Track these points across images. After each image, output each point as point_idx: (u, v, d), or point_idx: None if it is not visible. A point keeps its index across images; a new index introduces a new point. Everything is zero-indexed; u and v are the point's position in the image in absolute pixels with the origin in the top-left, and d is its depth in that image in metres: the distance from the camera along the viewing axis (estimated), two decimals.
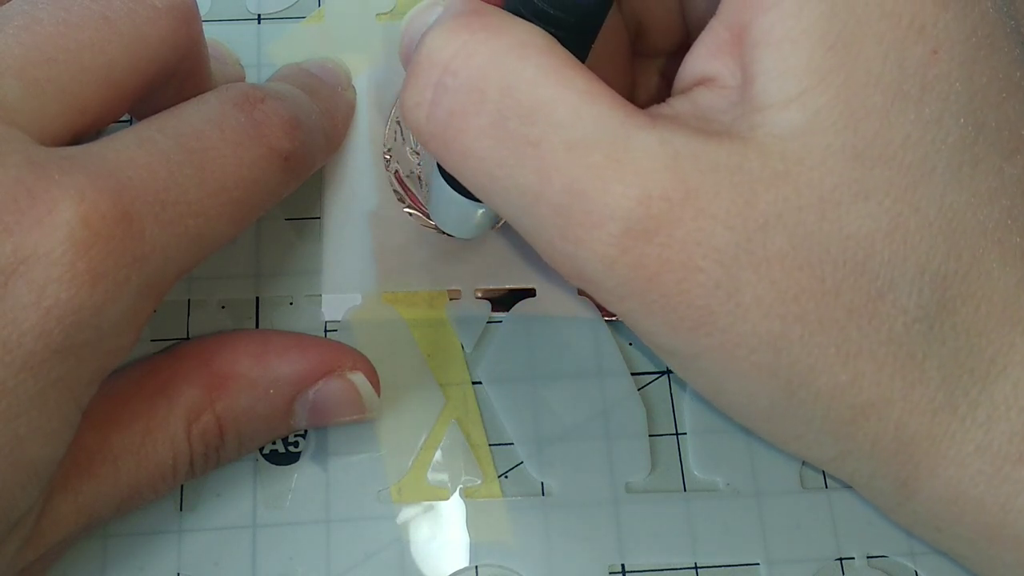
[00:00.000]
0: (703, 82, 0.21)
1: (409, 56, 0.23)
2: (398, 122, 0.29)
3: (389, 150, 0.29)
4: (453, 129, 0.20)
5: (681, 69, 0.22)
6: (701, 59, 0.21)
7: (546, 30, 0.20)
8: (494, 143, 0.20)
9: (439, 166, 0.24)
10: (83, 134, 0.21)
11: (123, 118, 0.26)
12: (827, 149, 0.20)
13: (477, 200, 0.23)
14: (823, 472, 0.26)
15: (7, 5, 0.21)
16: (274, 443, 0.26)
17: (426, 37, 0.20)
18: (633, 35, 0.27)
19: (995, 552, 0.22)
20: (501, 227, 0.28)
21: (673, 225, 0.19)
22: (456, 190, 0.24)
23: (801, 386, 0.21)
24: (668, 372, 0.27)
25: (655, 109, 0.21)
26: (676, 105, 0.21)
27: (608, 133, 0.19)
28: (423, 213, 0.28)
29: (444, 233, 0.27)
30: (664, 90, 0.27)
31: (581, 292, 0.28)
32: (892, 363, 0.20)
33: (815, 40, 0.19)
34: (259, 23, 0.30)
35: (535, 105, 0.19)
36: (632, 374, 0.27)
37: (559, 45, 0.20)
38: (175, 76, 0.23)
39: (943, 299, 0.20)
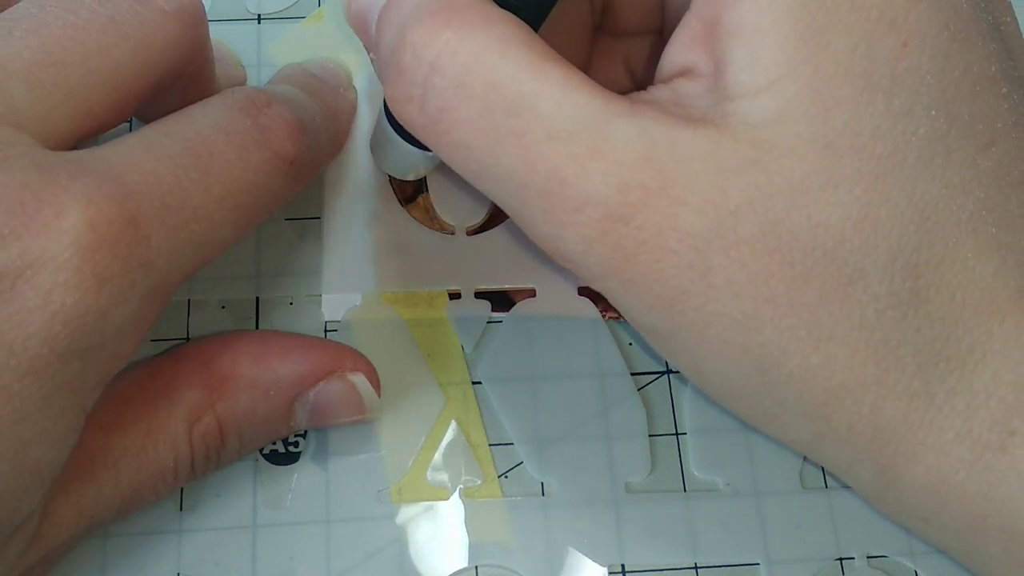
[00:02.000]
0: (682, 73, 0.22)
1: (359, 21, 0.24)
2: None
3: None
4: (444, 123, 0.21)
5: (660, 62, 0.23)
6: (678, 52, 0.22)
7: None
8: (482, 134, 0.20)
9: (385, 113, 0.24)
10: (89, 137, 0.21)
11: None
12: (797, 138, 0.20)
13: (421, 148, 0.24)
14: (823, 472, 0.26)
15: (14, 8, 0.21)
16: (274, 443, 0.26)
17: (408, 34, 0.20)
18: (599, 13, 0.27)
19: (981, 543, 0.22)
20: (501, 227, 0.28)
21: (649, 211, 0.20)
22: (403, 137, 0.24)
23: (773, 366, 0.21)
24: (668, 372, 0.27)
25: (635, 96, 0.22)
26: (655, 92, 0.22)
27: (588, 123, 0.20)
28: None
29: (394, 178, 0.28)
30: (629, 72, 0.28)
31: (581, 292, 0.28)
32: (865, 348, 0.21)
33: (785, 31, 0.20)
34: (259, 23, 0.30)
35: (518, 98, 0.20)
36: (632, 374, 0.27)
37: (536, 37, 0.21)
38: (181, 78, 0.23)
39: (915, 287, 0.21)
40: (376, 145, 0.26)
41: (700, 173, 0.20)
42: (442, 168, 0.29)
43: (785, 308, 0.20)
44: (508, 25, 0.20)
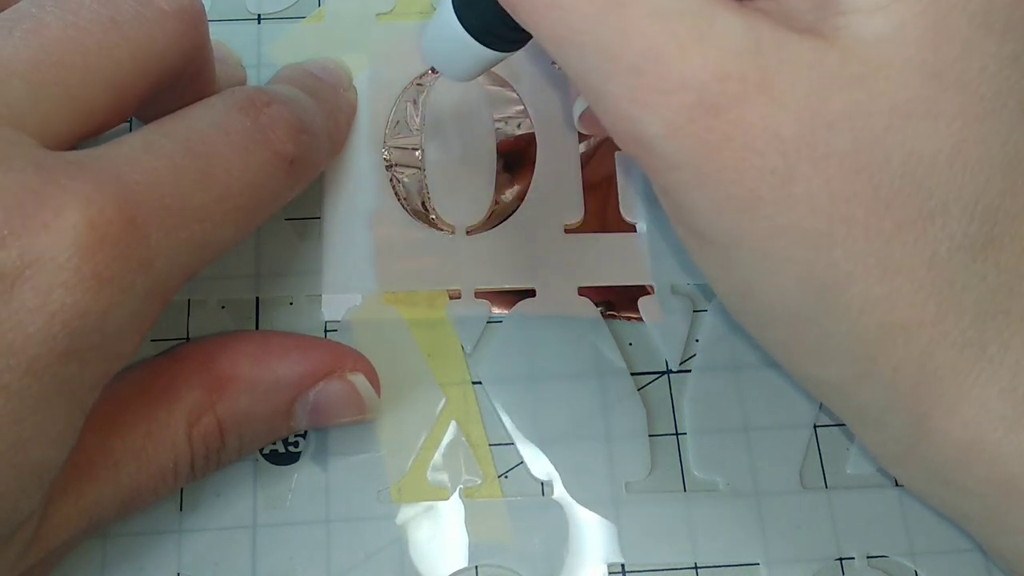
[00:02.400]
0: None
1: None
2: (412, 101, 0.29)
3: (389, 150, 0.29)
4: None
5: None
6: None
7: None
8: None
9: (454, 3, 0.24)
10: (89, 137, 0.21)
11: None
12: (906, 62, 0.20)
13: (489, 46, 0.24)
14: (823, 472, 0.26)
15: (14, 8, 0.21)
16: (274, 443, 0.26)
17: None
18: None
19: (1004, 510, 0.22)
20: (501, 227, 0.28)
21: (744, 106, 0.20)
22: (471, 33, 0.24)
23: (834, 291, 0.21)
24: (668, 372, 0.27)
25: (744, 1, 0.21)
26: (762, 3, 0.21)
27: (695, 7, 0.20)
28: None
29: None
30: None
31: (581, 292, 0.28)
32: (930, 286, 0.20)
33: None
34: (259, 23, 0.30)
35: None
36: (632, 374, 0.27)
37: None
38: (181, 79, 0.23)
39: (991, 234, 0.20)
40: (433, 42, 0.25)
41: (803, 79, 0.20)
42: (442, 168, 0.29)
43: (860, 231, 0.20)
44: None
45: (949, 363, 0.21)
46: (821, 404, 0.27)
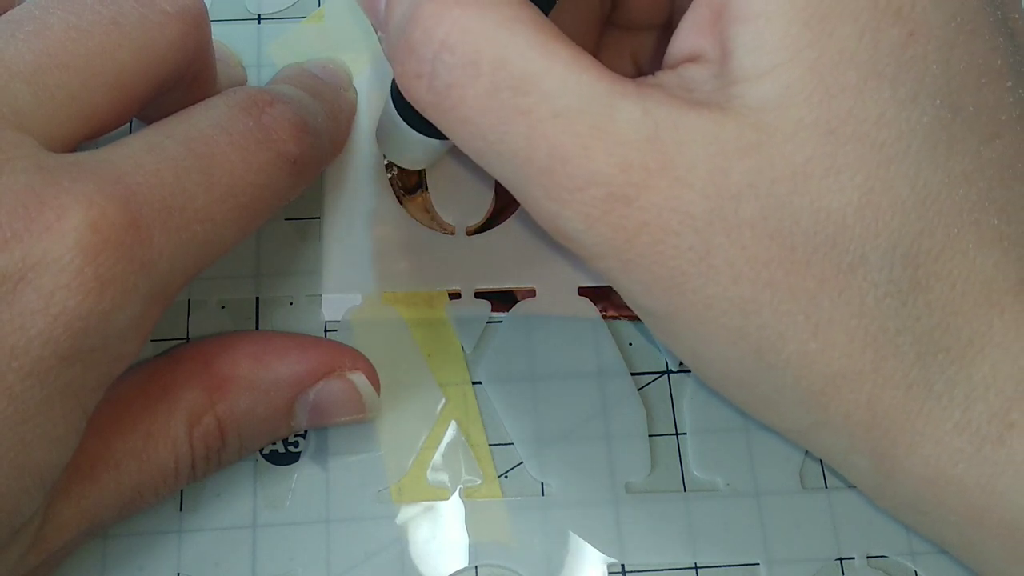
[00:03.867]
0: (689, 59, 0.22)
1: (373, 6, 0.24)
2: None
3: None
4: (451, 100, 0.21)
5: (668, 48, 0.23)
6: (685, 37, 0.22)
7: None
8: (488, 112, 0.20)
9: (392, 100, 0.24)
10: (91, 138, 0.21)
11: None
12: (799, 123, 0.20)
13: (426, 135, 0.24)
14: (823, 472, 0.26)
15: (17, 9, 0.21)
16: (274, 443, 0.26)
17: (419, 11, 0.20)
18: (608, 5, 0.28)
19: (979, 537, 0.22)
20: (501, 227, 0.28)
21: (651, 191, 0.20)
22: (410, 124, 0.24)
23: (771, 351, 0.21)
24: (668, 372, 0.27)
25: (641, 80, 0.22)
26: (662, 77, 0.22)
27: (593, 103, 0.20)
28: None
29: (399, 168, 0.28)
30: (636, 65, 0.28)
31: (581, 292, 0.28)
32: (863, 336, 0.21)
33: (790, 16, 0.20)
34: (259, 23, 0.30)
35: (525, 76, 0.20)
36: (632, 374, 0.27)
37: (545, 18, 0.21)
38: (183, 79, 0.23)
39: (915, 276, 0.21)
40: (382, 133, 0.26)
41: (703, 155, 0.20)
42: (442, 167, 0.29)
43: (784, 292, 0.20)
44: (518, 6, 0.21)
45: (898, 405, 0.21)
46: None
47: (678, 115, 0.20)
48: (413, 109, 0.22)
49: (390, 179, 0.29)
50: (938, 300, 0.21)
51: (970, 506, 0.21)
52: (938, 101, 0.20)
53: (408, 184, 0.29)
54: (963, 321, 0.21)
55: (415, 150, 0.25)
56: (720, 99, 0.20)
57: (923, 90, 0.20)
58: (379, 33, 0.24)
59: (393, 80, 0.24)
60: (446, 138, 0.24)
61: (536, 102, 0.20)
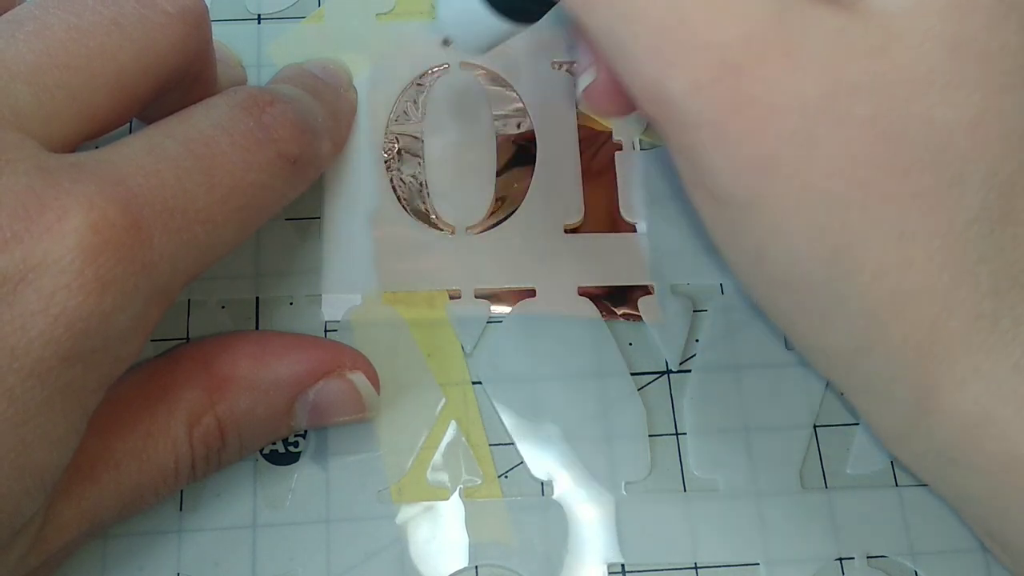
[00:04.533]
0: None
1: None
2: (413, 101, 0.29)
3: (389, 150, 0.29)
4: None
5: None
6: None
7: None
8: None
9: None
10: (91, 139, 0.21)
11: None
12: (928, 33, 0.20)
13: (502, 14, 0.24)
14: (823, 472, 0.26)
15: (17, 9, 0.21)
16: (274, 443, 0.26)
17: None
18: None
19: (1009, 490, 0.21)
20: (501, 227, 0.28)
21: (768, 66, 0.20)
22: (493, 5, 0.24)
23: (847, 256, 0.21)
24: (668, 372, 0.27)
25: None
26: None
27: None
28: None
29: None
30: None
31: (581, 292, 0.28)
32: (944, 256, 0.20)
33: None
34: (259, 23, 0.30)
35: None
36: (632, 374, 0.27)
37: None
38: (183, 79, 0.23)
39: (1008, 207, 0.21)
40: (449, 11, 0.25)
41: (825, 47, 0.20)
42: (443, 167, 0.29)
43: (876, 196, 0.20)
44: None
45: (960, 335, 0.21)
46: (821, 403, 0.27)
47: (807, 4, 0.20)
48: None
49: (390, 179, 0.29)
50: None
51: (1009, 454, 0.21)
52: None
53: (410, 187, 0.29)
54: None
55: (486, 31, 0.25)
56: (850, 0, 0.20)
57: None
58: None
59: None
60: (524, 20, 0.24)
61: None
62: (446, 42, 0.27)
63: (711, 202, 0.22)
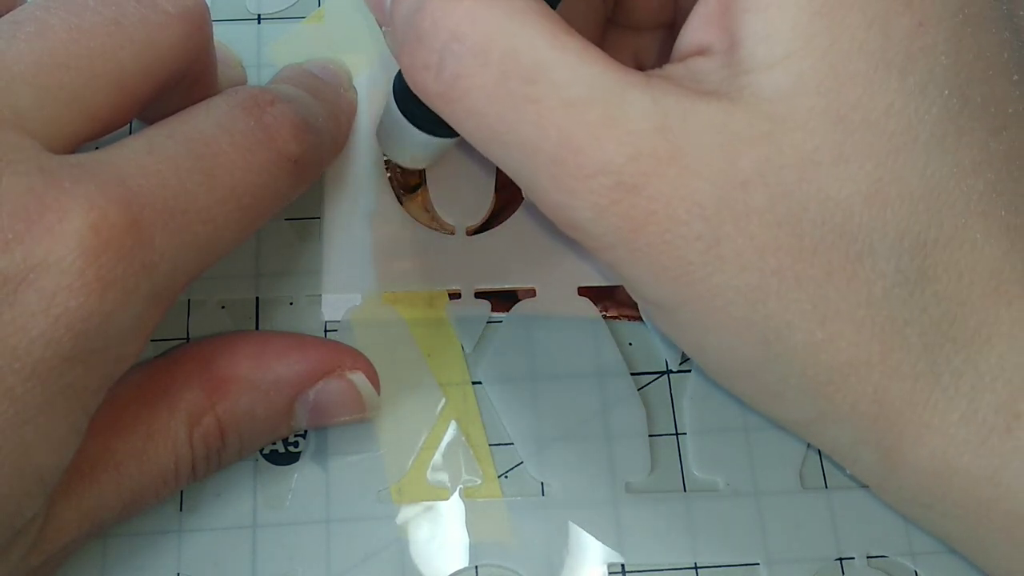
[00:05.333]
0: (697, 52, 0.22)
1: (378, 2, 0.24)
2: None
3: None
4: (459, 90, 0.20)
5: (676, 43, 0.23)
6: (693, 31, 0.22)
7: None
8: (497, 101, 0.20)
9: (395, 97, 0.24)
10: (92, 139, 0.21)
11: None
12: (810, 111, 0.20)
13: (428, 133, 0.24)
14: (823, 472, 0.26)
15: (18, 10, 0.21)
16: (274, 443, 0.26)
17: (428, 3, 0.20)
18: (611, 5, 0.28)
19: (985, 529, 0.22)
20: (501, 227, 0.28)
21: (660, 180, 0.20)
22: (412, 122, 0.24)
23: (777, 341, 0.21)
24: (668, 372, 0.27)
25: (650, 72, 0.22)
26: (670, 70, 0.22)
27: (603, 92, 0.20)
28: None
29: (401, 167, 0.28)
30: (639, 66, 0.28)
31: (581, 292, 0.28)
32: (870, 326, 0.21)
33: (801, 5, 0.20)
34: (259, 23, 0.30)
35: (535, 65, 0.20)
36: (632, 374, 0.27)
37: (553, 11, 0.21)
38: (184, 80, 0.23)
39: (923, 267, 0.21)
40: (383, 132, 0.26)
41: (711, 144, 0.20)
42: (443, 167, 0.29)
43: (791, 281, 0.20)
44: None
45: (905, 396, 0.21)
46: None
47: (687, 104, 0.20)
48: (416, 105, 0.22)
49: (390, 179, 0.29)
50: (945, 291, 0.21)
51: (976, 498, 0.21)
52: (947, 92, 0.20)
53: (408, 184, 0.29)
54: (970, 312, 0.21)
55: (416, 148, 0.25)
56: (729, 89, 0.21)
57: (932, 81, 0.20)
58: (384, 28, 0.24)
59: (396, 77, 0.24)
60: (448, 136, 0.24)
61: (546, 91, 0.20)
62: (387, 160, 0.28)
63: (646, 305, 0.23)
